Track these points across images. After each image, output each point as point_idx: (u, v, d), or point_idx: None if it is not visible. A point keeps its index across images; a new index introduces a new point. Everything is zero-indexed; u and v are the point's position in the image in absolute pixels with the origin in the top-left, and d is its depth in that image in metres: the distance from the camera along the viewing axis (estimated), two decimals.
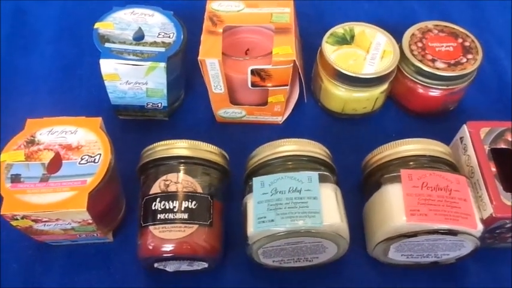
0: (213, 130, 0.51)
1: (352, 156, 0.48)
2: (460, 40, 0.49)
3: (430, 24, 0.50)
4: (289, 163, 0.40)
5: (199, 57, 0.44)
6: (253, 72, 0.45)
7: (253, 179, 0.38)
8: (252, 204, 0.37)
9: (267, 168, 0.40)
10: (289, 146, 0.40)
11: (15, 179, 0.37)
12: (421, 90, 0.49)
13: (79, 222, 0.37)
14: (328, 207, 0.36)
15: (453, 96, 0.49)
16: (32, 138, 0.39)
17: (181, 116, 0.52)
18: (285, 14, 0.47)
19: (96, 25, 0.46)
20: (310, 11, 0.61)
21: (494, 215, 0.37)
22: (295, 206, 0.36)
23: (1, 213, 0.35)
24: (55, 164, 0.37)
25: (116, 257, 0.42)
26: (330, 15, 0.61)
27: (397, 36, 0.50)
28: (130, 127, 0.51)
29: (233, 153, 0.44)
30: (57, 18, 0.60)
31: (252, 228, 0.36)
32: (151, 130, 0.51)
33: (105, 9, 0.48)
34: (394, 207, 0.37)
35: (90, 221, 0.37)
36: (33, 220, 0.36)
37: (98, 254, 0.43)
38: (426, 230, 0.36)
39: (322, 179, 0.38)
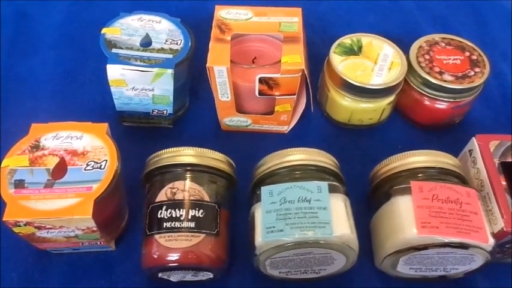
0: (218, 138, 0.51)
1: (358, 167, 0.48)
2: (467, 53, 0.49)
3: (437, 37, 0.51)
4: (297, 172, 0.39)
5: (208, 65, 0.43)
6: (261, 80, 0.45)
7: (262, 188, 0.38)
8: (260, 214, 0.37)
9: (274, 177, 0.39)
10: (297, 155, 0.40)
11: (19, 184, 0.36)
12: (427, 103, 0.49)
13: (83, 229, 0.36)
14: (338, 218, 0.36)
15: (460, 109, 0.49)
16: (36, 143, 0.38)
17: (186, 124, 0.52)
18: (294, 23, 0.47)
19: (103, 30, 0.46)
20: (315, 21, 0.61)
21: (505, 229, 0.37)
22: (305, 216, 0.35)
23: (4, 219, 0.34)
24: (60, 170, 0.36)
25: (119, 266, 0.41)
26: (334, 26, 0.62)
27: (402, 49, 0.50)
28: (134, 134, 0.50)
29: (238, 162, 0.43)
30: (60, 23, 0.60)
31: (260, 238, 0.36)
32: (156, 137, 0.50)
33: (109, 15, 0.48)
34: (404, 219, 0.37)
35: (95, 229, 0.36)
36: (36, 227, 0.35)
37: (99, 263, 0.42)
38: (437, 243, 0.35)
39: (332, 189, 0.37)
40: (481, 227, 0.36)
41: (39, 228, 0.35)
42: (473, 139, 0.42)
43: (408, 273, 0.40)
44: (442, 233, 0.35)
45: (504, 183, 0.39)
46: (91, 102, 0.52)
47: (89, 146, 0.38)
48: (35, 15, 0.60)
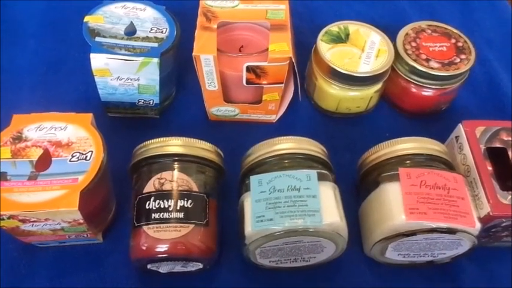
0: (206, 128, 0.50)
1: (346, 155, 0.48)
2: (453, 40, 0.49)
3: (423, 24, 0.51)
4: (286, 161, 0.39)
5: (194, 53, 0.43)
6: (248, 69, 0.44)
7: (251, 177, 0.37)
8: (250, 203, 0.37)
9: (263, 166, 0.39)
10: (286, 144, 0.39)
11: (1, 177, 0.35)
12: (414, 90, 0.49)
13: (69, 222, 0.36)
14: (327, 206, 0.36)
15: (446, 96, 0.50)
16: (18, 134, 0.37)
17: (173, 114, 0.51)
18: (281, 10, 0.46)
19: (86, 18, 0.45)
20: (301, 9, 0.61)
21: (491, 214, 0.37)
22: (294, 205, 0.35)
23: None
24: (44, 162, 0.36)
25: (106, 258, 0.41)
26: (320, 14, 0.61)
27: (389, 36, 0.50)
28: (120, 125, 0.49)
29: (226, 152, 0.43)
30: (41, 11, 0.58)
31: (250, 228, 0.36)
32: (142, 128, 0.49)
33: (92, 3, 0.47)
34: (392, 205, 0.37)
35: (81, 221, 0.36)
36: (20, 220, 0.34)
37: (87, 256, 0.41)
38: (425, 229, 0.36)
39: (321, 178, 0.37)
40: (468, 212, 0.36)
41: (23, 221, 0.35)
42: (460, 125, 0.42)
43: (397, 259, 0.40)
44: (430, 219, 0.35)
45: (490, 168, 0.39)
46: (75, 93, 0.51)
47: (74, 137, 0.37)
48: (14, 3, 0.58)
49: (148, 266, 0.38)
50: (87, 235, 0.39)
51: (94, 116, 0.39)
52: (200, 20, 0.45)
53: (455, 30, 0.50)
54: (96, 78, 0.44)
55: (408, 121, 0.52)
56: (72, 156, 0.36)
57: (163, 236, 0.36)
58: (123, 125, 0.49)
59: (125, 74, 0.44)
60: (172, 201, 0.37)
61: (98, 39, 0.43)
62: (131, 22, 0.45)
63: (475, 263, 0.43)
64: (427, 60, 0.47)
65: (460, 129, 0.42)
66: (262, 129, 0.50)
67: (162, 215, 0.36)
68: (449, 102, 0.52)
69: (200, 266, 0.39)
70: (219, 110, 0.49)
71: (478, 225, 0.36)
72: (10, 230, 0.36)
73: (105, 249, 0.41)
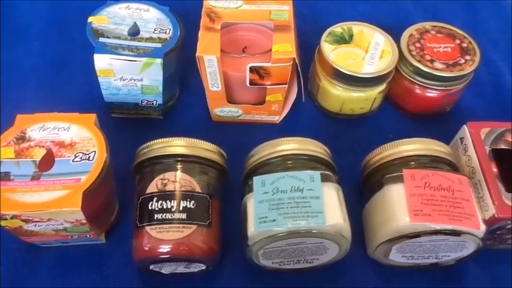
0: (209, 129, 0.50)
1: (349, 156, 0.48)
2: (457, 41, 0.49)
3: (427, 25, 0.50)
4: (290, 162, 0.39)
5: (197, 54, 0.43)
6: (252, 70, 0.44)
7: (254, 178, 0.37)
8: (253, 204, 0.36)
9: (266, 167, 0.39)
10: (289, 145, 0.39)
11: (5, 177, 0.35)
12: (418, 91, 0.49)
13: (72, 222, 0.36)
14: (330, 207, 0.36)
15: (450, 98, 0.49)
16: (22, 134, 0.37)
17: (176, 115, 0.51)
18: (284, 11, 0.46)
19: (90, 19, 0.45)
20: (305, 10, 0.61)
21: (496, 216, 0.37)
22: (298, 206, 0.35)
23: None
24: (47, 162, 0.36)
25: (109, 258, 0.41)
26: (324, 14, 0.61)
27: (393, 37, 0.49)
28: (123, 125, 0.49)
29: (229, 153, 0.43)
30: (45, 12, 0.58)
31: (253, 229, 0.35)
32: (145, 129, 0.49)
33: (96, 4, 0.47)
34: (396, 207, 0.37)
35: (84, 221, 0.36)
36: (23, 220, 0.35)
37: (90, 256, 0.41)
38: (429, 231, 0.35)
39: (324, 179, 0.37)
40: (472, 213, 0.36)
41: (26, 221, 0.35)
42: (465, 126, 0.42)
43: (400, 262, 0.40)
44: (434, 221, 0.35)
45: (495, 170, 0.39)
46: (78, 93, 0.51)
47: (77, 137, 0.37)
48: (19, 4, 0.59)
49: (151, 267, 0.38)
50: (90, 235, 0.39)
51: (97, 117, 0.39)
52: (203, 20, 0.45)
53: (459, 31, 0.50)
54: (100, 79, 0.44)
55: (412, 122, 0.52)
56: (75, 157, 0.36)
57: (166, 237, 0.36)
58: (127, 126, 0.49)
59: (128, 75, 0.44)
60: (175, 201, 0.37)
61: (101, 39, 0.43)
62: (135, 23, 0.45)
63: (479, 266, 0.42)
64: (432, 61, 0.47)
65: (465, 131, 0.42)
66: (266, 130, 0.50)
67: (165, 216, 0.36)
68: (453, 103, 0.51)
69: (203, 267, 0.39)
70: (222, 110, 0.49)
71: (482, 227, 0.36)
72: (13, 230, 0.36)
73: (108, 250, 0.41)
